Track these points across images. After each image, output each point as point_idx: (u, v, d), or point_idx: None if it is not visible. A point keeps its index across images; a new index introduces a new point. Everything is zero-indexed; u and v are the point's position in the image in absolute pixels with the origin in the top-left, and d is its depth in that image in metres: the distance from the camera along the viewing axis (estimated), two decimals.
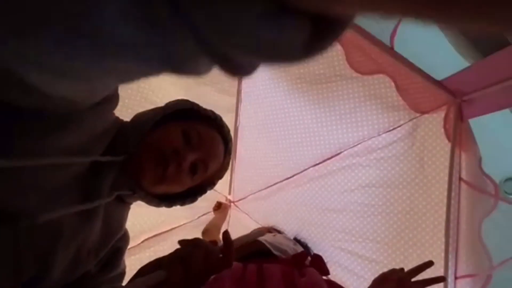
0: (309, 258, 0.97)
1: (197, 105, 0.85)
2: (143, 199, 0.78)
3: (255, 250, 1.13)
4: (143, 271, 0.65)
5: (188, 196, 0.85)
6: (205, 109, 0.86)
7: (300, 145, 1.76)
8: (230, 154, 0.90)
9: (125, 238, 0.80)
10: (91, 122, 0.61)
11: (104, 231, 0.70)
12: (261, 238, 1.21)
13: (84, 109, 0.55)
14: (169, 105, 0.81)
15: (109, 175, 0.68)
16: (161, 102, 1.65)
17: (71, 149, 0.58)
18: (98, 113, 0.62)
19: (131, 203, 0.81)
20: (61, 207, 0.56)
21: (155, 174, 0.72)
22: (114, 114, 0.75)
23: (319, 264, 0.94)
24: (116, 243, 0.75)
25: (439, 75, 1.38)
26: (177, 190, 0.80)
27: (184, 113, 0.81)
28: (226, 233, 0.75)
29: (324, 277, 0.96)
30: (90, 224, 0.64)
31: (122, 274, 0.78)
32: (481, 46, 1.13)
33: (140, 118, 0.78)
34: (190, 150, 0.75)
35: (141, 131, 0.73)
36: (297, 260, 0.93)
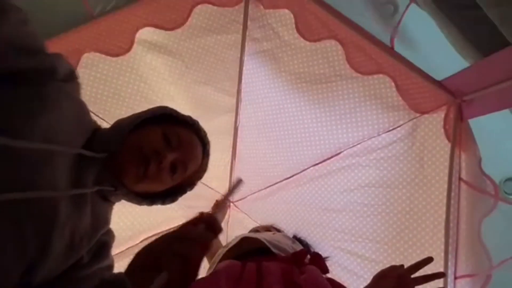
0: (308, 256, 0.97)
1: (176, 111, 0.90)
2: (124, 197, 0.82)
3: (254, 248, 1.13)
4: (136, 262, 0.66)
5: (168, 195, 0.89)
6: (183, 115, 0.91)
7: (300, 145, 1.76)
8: (208, 156, 0.95)
9: (110, 233, 0.84)
10: (63, 101, 0.68)
11: (93, 222, 0.73)
12: (260, 236, 1.21)
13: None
14: (150, 110, 0.87)
15: (91, 170, 0.73)
16: (161, 102, 1.67)
17: (55, 136, 0.64)
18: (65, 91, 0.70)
19: (114, 203, 0.85)
20: (52, 189, 0.62)
21: (137, 172, 0.77)
22: (90, 114, 0.81)
23: (318, 262, 0.94)
24: (102, 236, 0.79)
25: (439, 75, 1.38)
26: (158, 188, 0.85)
27: (164, 118, 0.87)
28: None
29: (324, 276, 0.96)
30: (81, 211, 0.69)
31: (111, 266, 0.81)
32: (481, 46, 1.13)
33: (121, 121, 0.84)
34: (170, 150, 0.80)
35: (123, 132, 0.78)
36: (297, 258, 0.93)
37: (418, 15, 1.21)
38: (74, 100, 0.75)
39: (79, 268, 0.69)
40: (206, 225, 0.63)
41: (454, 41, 1.18)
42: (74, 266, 0.68)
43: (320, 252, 1.69)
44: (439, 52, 1.30)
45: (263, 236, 1.24)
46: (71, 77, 0.76)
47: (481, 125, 1.33)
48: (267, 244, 1.12)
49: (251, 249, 1.13)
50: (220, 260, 1.12)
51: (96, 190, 0.74)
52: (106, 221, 0.82)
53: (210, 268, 1.26)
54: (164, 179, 0.82)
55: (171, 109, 0.89)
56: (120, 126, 0.81)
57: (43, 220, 0.59)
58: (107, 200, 0.81)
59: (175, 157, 0.81)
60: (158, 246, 0.64)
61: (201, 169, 0.94)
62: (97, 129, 0.82)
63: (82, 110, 0.78)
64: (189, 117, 0.93)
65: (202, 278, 0.81)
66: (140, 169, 0.76)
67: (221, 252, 1.22)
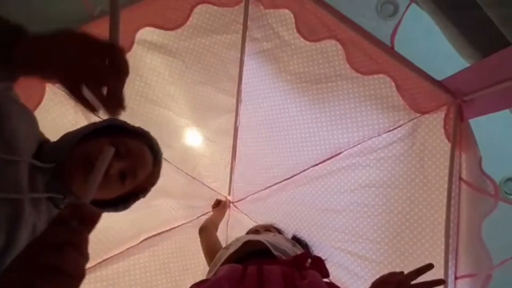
0: (309, 260, 0.97)
1: (126, 122, 0.94)
2: None
3: (255, 249, 1.13)
4: None
5: (121, 202, 0.93)
6: (133, 126, 0.95)
7: (300, 145, 1.76)
8: (160, 163, 1.00)
9: None
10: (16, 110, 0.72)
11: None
12: (261, 238, 1.21)
13: None
14: (98, 122, 0.91)
15: (40, 178, 0.77)
16: (161, 102, 1.67)
17: (17, 144, 0.70)
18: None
19: None
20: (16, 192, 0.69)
21: (84, 180, 0.79)
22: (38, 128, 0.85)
23: (319, 266, 0.93)
24: None
25: (439, 75, 1.38)
26: (108, 196, 0.88)
27: (114, 129, 0.90)
28: None
29: (325, 280, 0.96)
30: (39, 212, 0.76)
31: None
32: (481, 46, 1.13)
33: (70, 133, 0.88)
34: (117, 159, 0.83)
35: (70, 142, 0.82)
36: (298, 262, 0.92)
37: (418, 15, 1.21)
38: (25, 109, 0.79)
39: None
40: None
41: (454, 41, 1.18)
42: None
43: (320, 253, 1.70)
44: (439, 52, 1.30)
45: (264, 237, 1.24)
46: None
47: (482, 125, 1.33)
48: (268, 245, 1.12)
49: (251, 250, 1.13)
50: (222, 264, 1.11)
51: (48, 198, 0.79)
52: None
53: (210, 270, 1.25)
54: (113, 187, 0.86)
55: (120, 121, 0.93)
56: (68, 136, 0.85)
57: (11, 217, 0.66)
58: (59, 208, 0.84)
59: (122, 166, 0.84)
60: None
61: (153, 176, 0.98)
62: (45, 141, 0.86)
63: (31, 118, 0.81)
64: (140, 128, 0.97)
65: (204, 281, 0.81)
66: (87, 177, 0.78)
67: (221, 254, 1.21)
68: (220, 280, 0.76)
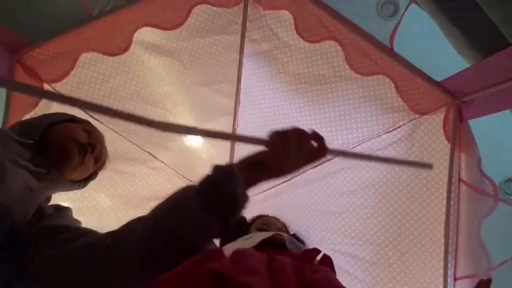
0: (318, 257, 0.95)
1: (75, 115, 1.06)
2: (54, 180, 0.92)
3: (271, 240, 1.12)
4: None
5: (81, 181, 1.06)
6: (80, 118, 1.07)
7: None
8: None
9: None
10: None
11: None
12: (282, 233, 1.21)
13: None
14: (58, 114, 1.04)
15: (26, 152, 0.86)
16: (158, 102, 1.66)
17: None
18: None
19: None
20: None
21: (77, 160, 0.94)
22: None
23: (329, 264, 0.92)
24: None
25: (439, 76, 1.38)
26: (84, 175, 1.04)
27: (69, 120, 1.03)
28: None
29: None
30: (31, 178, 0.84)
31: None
32: (482, 46, 1.13)
33: (45, 116, 1.02)
34: (96, 142, 1.01)
35: (42, 126, 0.93)
36: (307, 256, 0.90)
37: (418, 15, 1.21)
38: None
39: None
40: None
41: (454, 41, 1.18)
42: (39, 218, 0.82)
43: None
44: (439, 53, 1.29)
45: (283, 233, 1.23)
46: None
47: (481, 126, 1.33)
48: (284, 237, 1.11)
49: (267, 240, 1.12)
50: None
51: (31, 171, 0.85)
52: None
53: None
54: (91, 167, 1.02)
55: (73, 115, 1.06)
56: (39, 120, 0.98)
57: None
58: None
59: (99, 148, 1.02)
60: None
61: (105, 161, 1.12)
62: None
63: None
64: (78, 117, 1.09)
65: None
66: (80, 158, 0.94)
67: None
68: (247, 252, 0.73)
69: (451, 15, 1.11)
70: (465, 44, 1.15)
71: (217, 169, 0.64)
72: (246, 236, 1.26)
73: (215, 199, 0.61)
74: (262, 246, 1.07)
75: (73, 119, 1.04)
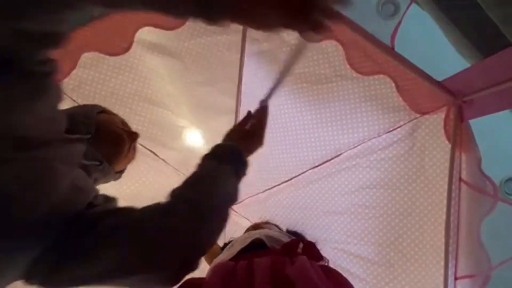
0: (301, 245, 0.95)
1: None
2: (104, 172, 0.93)
3: (250, 244, 1.12)
4: None
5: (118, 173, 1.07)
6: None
7: (299, 146, 1.75)
8: None
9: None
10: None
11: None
12: (257, 232, 1.21)
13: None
14: (93, 105, 1.04)
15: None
16: (159, 102, 1.66)
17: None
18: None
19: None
20: None
21: (127, 148, 0.97)
22: None
23: (311, 250, 0.92)
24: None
25: (439, 76, 1.38)
26: (126, 165, 1.06)
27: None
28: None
29: (320, 263, 0.94)
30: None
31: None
32: (482, 46, 1.13)
33: (83, 108, 1.00)
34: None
35: (92, 118, 0.93)
36: (288, 249, 0.91)
37: (418, 15, 1.21)
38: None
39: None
40: None
41: (454, 41, 1.18)
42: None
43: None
44: (439, 53, 1.30)
45: (260, 232, 1.23)
46: None
47: (482, 126, 1.33)
48: (263, 238, 1.11)
49: (245, 246, 1.12)
50: None
51: (85, 165, 0.86)
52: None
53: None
54: (131, 157, 1.04)
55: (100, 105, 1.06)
56: (86, 112, 0.96)
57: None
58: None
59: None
60: None
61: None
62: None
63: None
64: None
65: (200, 278, 0.80)
66: (128, 146, 0.97)
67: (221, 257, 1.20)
68: (212, 278, 0.76)
69: (451, 14, 1.12)
70: (466, 44, 1.15)
71: (227, 143, 0.81)
72: (228, 246, 1.27)
73: (240, 165, 0.78)
74: (245, 251, 1.06)
75: (104, 109, 1.04)
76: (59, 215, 0.65)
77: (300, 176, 1.80)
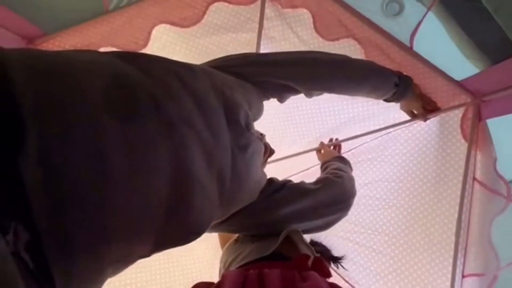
0: (311, 259, 0.98)
1: None
2: None
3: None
4: None
5: None
6: None
7: (314, 139, 1.77)
8: None
9: None
10: None
11: None
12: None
13: None
14: None
15: None
16: None
17: None
18: None
19: None
20: None
21: (265, 162, 1.16)
22: None
23: (320, 266, 0.94)
24: None
25: (458, 76, 1.36)
26: None
27: None
28: None
29: (328, 280, 0.98)
30: None
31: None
32: (489, 51, 1.12)
33: None
34: None
35: None
36: (299, 263, 0.93)
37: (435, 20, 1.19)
38: None
39: None
40: None
41: (460, 44, 1.17)
42: None
43: (326, 242, 1.74)
44: (446, 55, 1.28)
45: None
46: None
47: (494, 129, 1.32)
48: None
49: None
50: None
51: None
52: None
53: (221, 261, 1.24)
54: None
55: None
56: None
57: None
58: None
59: None
60: None
61: None
62: None
63: None
64: None
65: (210, 284, 0.80)
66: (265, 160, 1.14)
67: (231, 253, 1.19)
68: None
69: (459, 17, 1.09)
70: (473, 49, 1.13)
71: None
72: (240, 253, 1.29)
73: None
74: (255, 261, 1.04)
75: None
76: None
77: (314, 168, 1.83)
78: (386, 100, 1.27)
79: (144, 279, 1.80)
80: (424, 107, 1.39)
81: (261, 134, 1.06)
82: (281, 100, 1.10)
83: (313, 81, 1.02)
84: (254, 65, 0.98)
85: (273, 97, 1.07)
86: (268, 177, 1.06)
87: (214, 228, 0.96)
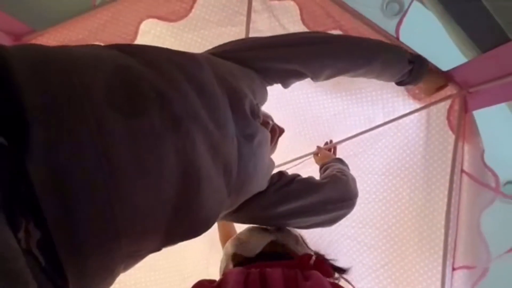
0: (313, 258, 0.97)
1: None
2: None
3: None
4: None
5: None
6: None
7: (303, 133, 1.77)
8: None
9: None
10: None
11: None
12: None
13: None
14: None
15: None
16: None
17: None
18: None
19: None
20: None
21: (275, 143, 1.16)
22: None
23: (322, 266, 0.93)
24: None
25: (445, 66, 1.36)
26: None
27: None
28: None
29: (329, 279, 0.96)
30: None
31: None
32: (483, 42, 1.12)
33: None
34: None
35: None
36: (301, 262, 0.92)
37: (418, 9, 1.19)
38: None
39: None
40: None
41: (454, 36, 1.16)
42: None
43: (322, 237, 1.73)
44: (445, 44, 1.28)
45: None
46: None
47: (482, 129, 1.33)
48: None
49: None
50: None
51: None
52: None
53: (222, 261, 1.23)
54: None
55: None
56: None
57: None
58: None
59: None
60: None
61: None
62: None
63: None
64: None
65: (212, 281, 0.79)
66: (275, 140, 1.17)
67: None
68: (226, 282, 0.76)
69: (453, 10, 1.10)
70: (465, 38, 1.14)
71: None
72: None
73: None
74: (255, 259, 1.03)
75: None
76: None
77: (304, 163, 1.83)
78: (403, 83, 1.22)
79: (138, 276, 1.78)
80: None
81: (268, 116, 1.05)
82: (285, 86, 1.07)
83: (321, 59, 0.99)
84: (256, 49, 0.95)
85: (277, 82, 1.04)
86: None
87: (224, 218, 0.96)
